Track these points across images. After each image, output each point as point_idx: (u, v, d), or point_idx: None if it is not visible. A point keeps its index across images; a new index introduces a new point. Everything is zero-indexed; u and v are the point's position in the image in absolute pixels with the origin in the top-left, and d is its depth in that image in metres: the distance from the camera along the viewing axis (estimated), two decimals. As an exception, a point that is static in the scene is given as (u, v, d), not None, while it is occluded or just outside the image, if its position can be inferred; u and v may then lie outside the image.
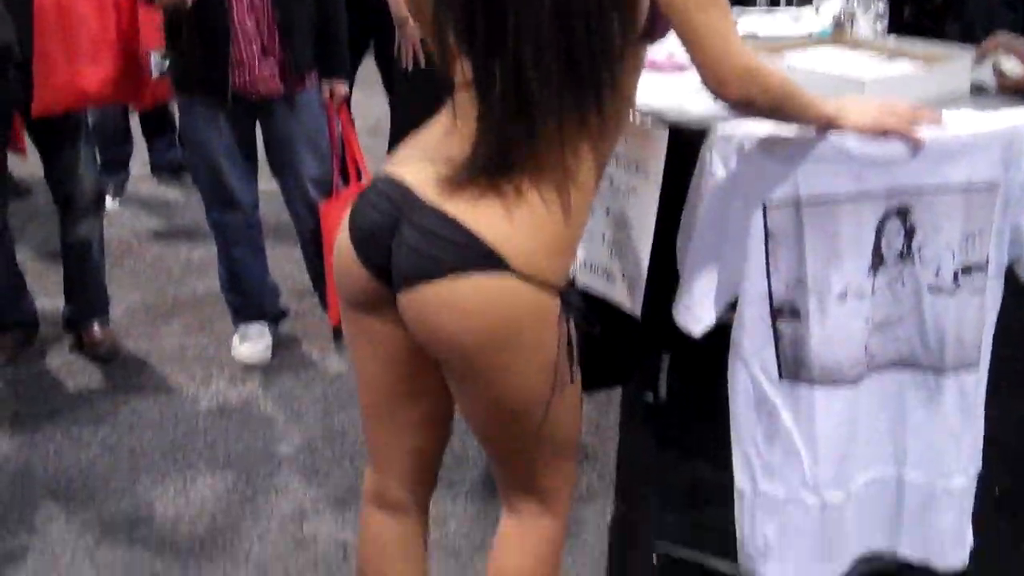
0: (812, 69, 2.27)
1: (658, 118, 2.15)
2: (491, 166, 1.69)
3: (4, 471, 3.34)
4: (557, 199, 1.71)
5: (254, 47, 3.44)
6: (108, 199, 5.02)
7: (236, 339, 3.95)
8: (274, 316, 4.03)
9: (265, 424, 3.56)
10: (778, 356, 2.02)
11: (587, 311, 1.84)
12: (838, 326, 1.99)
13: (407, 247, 1.73)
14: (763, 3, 4.28)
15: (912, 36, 2.75)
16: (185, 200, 5.48)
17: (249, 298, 3.90)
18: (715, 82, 1.75)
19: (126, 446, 3.44)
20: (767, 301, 2.00)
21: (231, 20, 3.38)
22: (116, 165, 5.43)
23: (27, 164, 4.47)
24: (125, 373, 3.89)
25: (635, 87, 1.80)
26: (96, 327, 4.00)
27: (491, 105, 1.67)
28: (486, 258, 1.68)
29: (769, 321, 2.01)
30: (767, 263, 2.00)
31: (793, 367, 2.03)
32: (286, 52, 3.47)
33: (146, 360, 3.97)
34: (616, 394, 3.61)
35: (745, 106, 1.80)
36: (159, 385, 3.80)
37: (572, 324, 1.81)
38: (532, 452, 1.93)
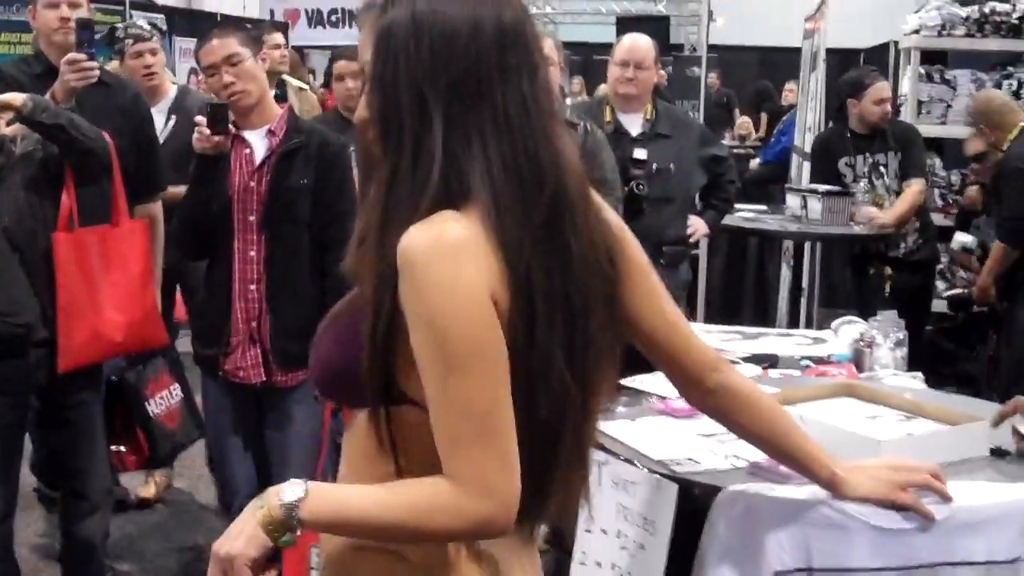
0: (824, 422, 2.22)
1: (668, 472, 2.09)
2: None
3: None
4: None
5: None
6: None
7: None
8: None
9: None
10: None
11: None
12: None
13: None
14: (782, 326, 4.30)
15: (932, 361, 2.72)
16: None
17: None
18: (685, 381, 1.77)
19: None
20: None
21: None
22: None
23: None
24: None
25: None
26: None
27: None
28: None
29: None
30: (780, 642, 1.89)
31: None
32: None
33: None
34: None
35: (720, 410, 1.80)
36: None
37: None
38: None
